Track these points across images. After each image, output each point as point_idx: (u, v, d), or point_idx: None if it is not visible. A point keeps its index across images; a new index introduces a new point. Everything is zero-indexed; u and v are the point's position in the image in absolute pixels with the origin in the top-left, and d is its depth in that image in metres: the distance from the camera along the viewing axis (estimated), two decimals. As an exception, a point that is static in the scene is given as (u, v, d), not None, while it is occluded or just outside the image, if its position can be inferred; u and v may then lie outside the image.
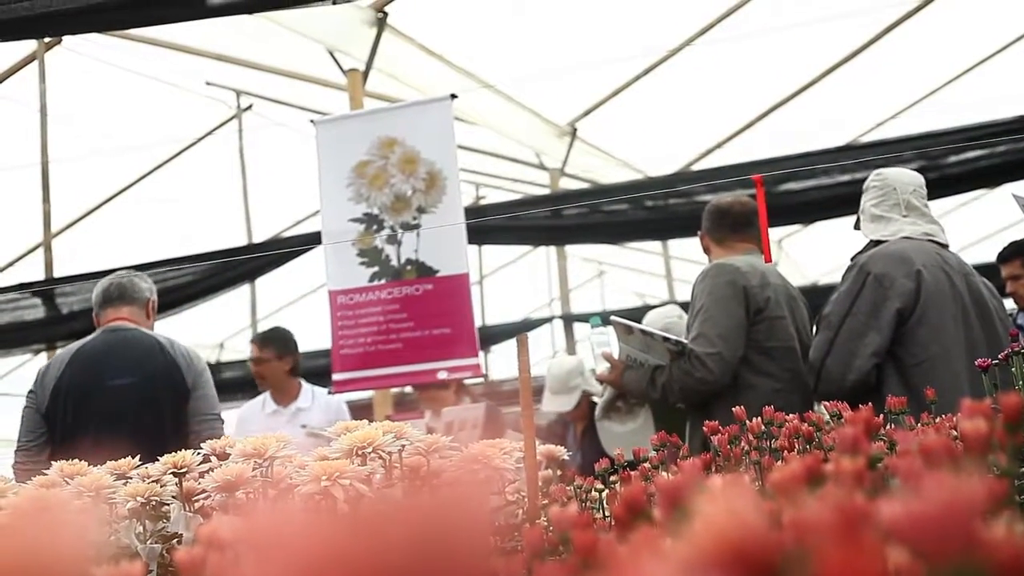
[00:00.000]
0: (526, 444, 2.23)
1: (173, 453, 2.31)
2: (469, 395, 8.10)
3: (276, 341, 7.09)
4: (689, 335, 4.71)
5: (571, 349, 11.85)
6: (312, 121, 6.05)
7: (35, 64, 9.51)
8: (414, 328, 5.62)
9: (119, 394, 5.15)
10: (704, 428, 2.63)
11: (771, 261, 4.91)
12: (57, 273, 9.58)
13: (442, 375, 5.73)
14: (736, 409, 2.64)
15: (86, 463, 2.39)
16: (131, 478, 2.37)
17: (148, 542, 2.20)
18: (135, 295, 5.43)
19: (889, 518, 0.53)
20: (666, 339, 4.71)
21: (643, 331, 4.75)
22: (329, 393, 6.18)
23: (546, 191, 11.85)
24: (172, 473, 2.30)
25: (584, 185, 12.01)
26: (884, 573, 0.48)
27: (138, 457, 2.45)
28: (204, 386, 5.19)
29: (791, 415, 2.56)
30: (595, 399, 7.00)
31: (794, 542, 0.51)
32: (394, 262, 5.67)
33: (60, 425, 5.24)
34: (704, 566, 0.48)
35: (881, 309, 4.47)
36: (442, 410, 6.51)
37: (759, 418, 2.57)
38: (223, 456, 2.34)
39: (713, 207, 5.15)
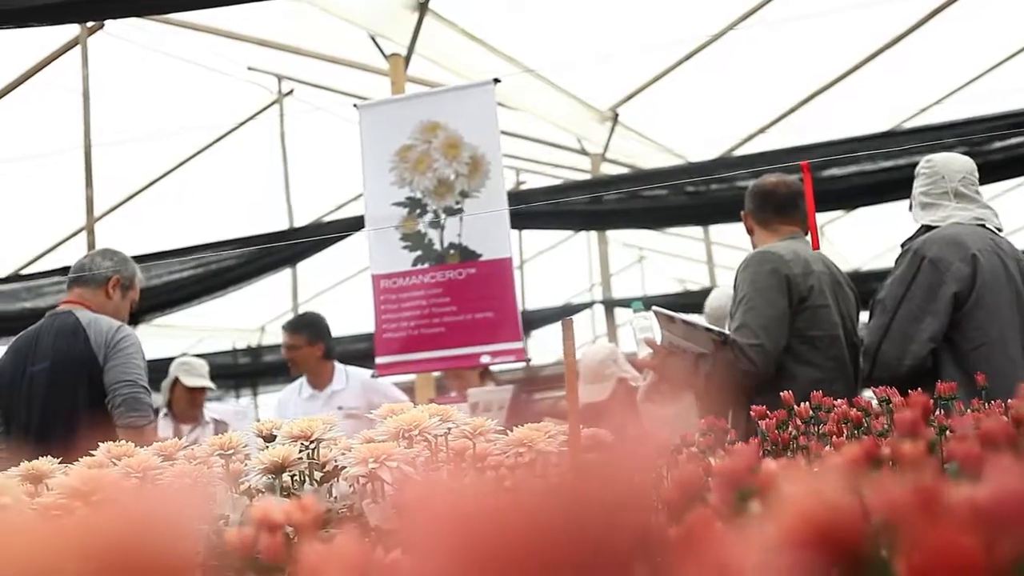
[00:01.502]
0: (570, 427, 2.22)
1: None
2: (493, 380, 8.11)
3: (307, 327, 7.12)
4: (731, 324, 4.68)
5: (612, 335, 11.84)
6: (355, 105, 6.04)
7: (77, 49, 9.55)
8: (457, 312, 5.62)
9: (35, 380, 5.21)
10: (751, 413, 2.62)
11: (818, 248, 4.86)
12: (100, 257, 9.62)
13: (485, 359, 5.72)
14: (784, 394, 2.62)
15: (132, 445, 2.39)
16: (177, 459, 2.37)
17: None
18: (87, 276, 5.47)
19: (972, 500, 0.52)
20: (708, 329, 4.68)
21: (685, 321, 4.72)
22: (372, 377, 6.19)
23: (587, 176, 11.82)
24: (219, 454, 2.31)
25: (625, 170, 11.98)
26: (978, 555, 0.47)
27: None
28: (116, 356, 5.11)
29: (839, 401, 2.54)
30: (631, 383, 6.98)
31: (879, 523, 0.50)
32: (437, 246, 5.66)
33: (3, 413, 5.37)
34: (790, 547, 0.47)
35: (937, 293, 4.43)
36: (468, 391, 6.54)
37: (807, 403, 2.56)
38: (269, 438, 2.35)
39: (758, 187, 5.09)
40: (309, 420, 2.24)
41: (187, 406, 7.84)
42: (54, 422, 5.01)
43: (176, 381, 7.92)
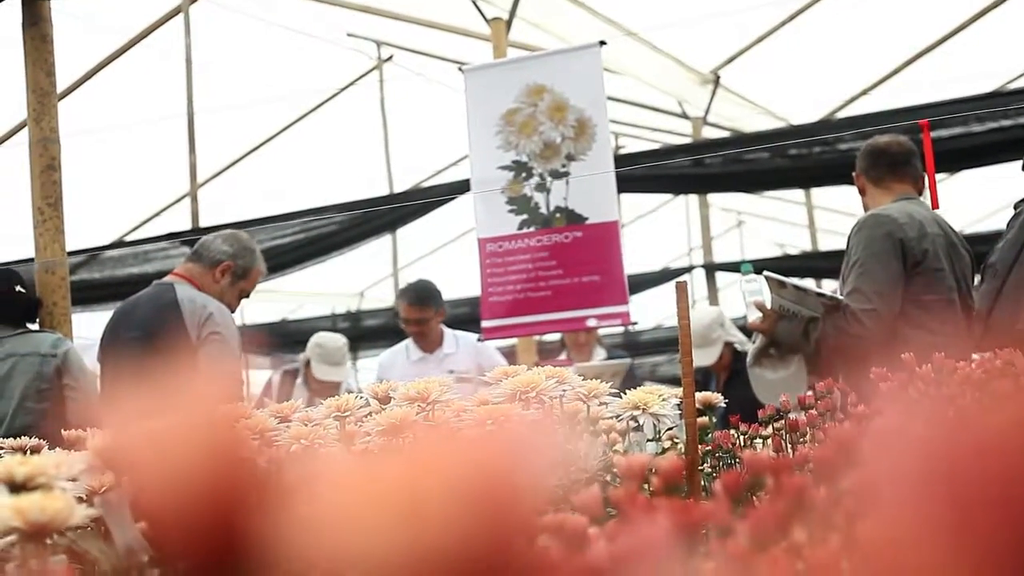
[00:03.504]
0: (685, 390, 2.21)
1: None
2: (604, 346, 8.10)
3: (433, 297, 7.09)
4: (844, 289, 4.62)
5: (713, 299, 11.77)
6: (460, 69, 6.04)
7: (180, 17, 9.66)
8: (563, 275, 5.60)
9: (127, 347, 5.25)
10: (871, 376, 2.58)
11: (937, 207, 4.78)
12: (203, 223, 9.74)
13: (591, 323, 5.71)
14: (905, 356, 2.58)
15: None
16: (292, 421, 2.39)
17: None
18: (203, 254, 5.53)
19: None
20: (820, 294, 4.63)
21: (796, 285, 4.67)
22: (479, 340, 6.20)
23: (687, 141, 11.74)
24: (334, 417, 2.32)
25: (726, 134, 11.88)
26: None
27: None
28: (209, 344, 5.14)
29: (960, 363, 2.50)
30: (737, 347, 6.95)
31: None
32: (543, 210, 5.64)
33: (100, 374, 5.47)
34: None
35: None
36: (576, 365, 6.53)
37: (928, 365, 2.52)
38: (385, 400, 2.35)
39: (870, 146, 5.01)
40: (425, 382, 2.24)
41: (320, 387, 7.75)
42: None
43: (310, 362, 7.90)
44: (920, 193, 4.90)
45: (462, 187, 6.95)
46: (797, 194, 14.62)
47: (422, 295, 7.11)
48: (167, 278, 5.50)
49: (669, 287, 12.24)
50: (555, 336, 8.16)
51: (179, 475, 0.44)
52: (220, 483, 0.42)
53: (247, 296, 5.69)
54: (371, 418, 2.22)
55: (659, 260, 15.63)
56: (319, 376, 7.76)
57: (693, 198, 13.16)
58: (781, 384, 4.59)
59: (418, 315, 7.03)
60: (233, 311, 5.54)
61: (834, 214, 14.46)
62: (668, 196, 14.18)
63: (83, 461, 1.53)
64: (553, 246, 5.62)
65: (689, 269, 13.53)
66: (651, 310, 14.28)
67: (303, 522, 0.38)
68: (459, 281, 10.65)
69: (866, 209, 4.91)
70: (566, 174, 5.61)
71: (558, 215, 5.62)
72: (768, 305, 4.73)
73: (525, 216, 5.68)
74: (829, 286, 8.10)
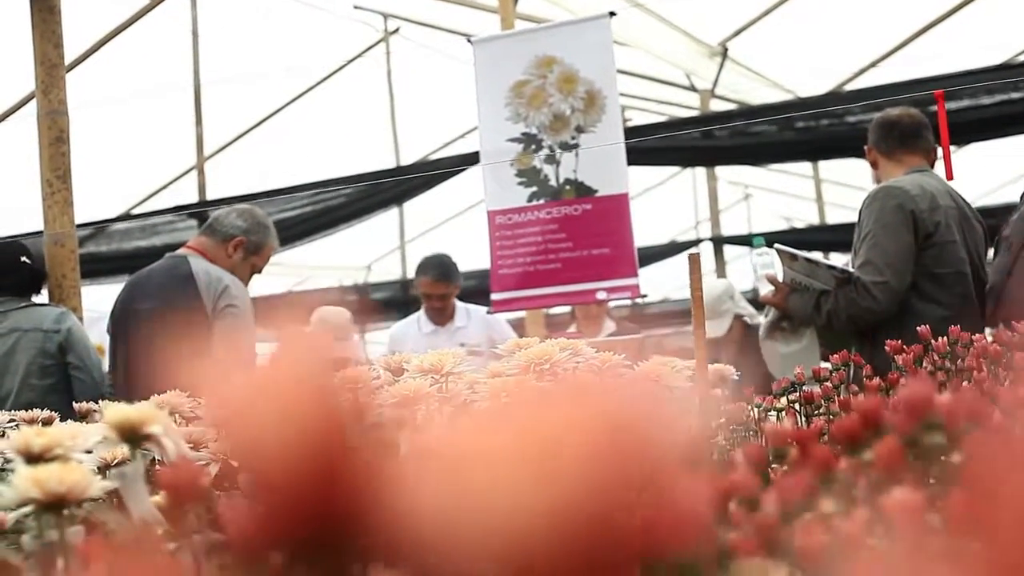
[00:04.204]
0: (698, 362, 2.20)
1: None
2: (613, 319, 8.08)
3: (454, 272, 7.12)
4: (855, 261, 4.61)
5: (721, 272, 11.76)
6: (469, 40, 6.01)
7: (187, -12, 9.65)
8: (573, 248, 5.57)
9: (138, 318, 5.25)
10: (886, 348, 2.57)
11: (952, 178, 4.76)
12: (210, 196, 9.74)
13: (601, 295, 5.69)
14: (921, 328, 2.57)
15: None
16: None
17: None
18: (216, 228, 5.52)
19: None
20: (831, 267, 4.62)
21: (807, 258, 4.66)
22: (488, 313, 6.20)
23: (695, 113, 11.72)
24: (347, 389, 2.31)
25: (734, 106, 11.86)
26: None
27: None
28: (225, 316, 5.14)
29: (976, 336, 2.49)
30: (747, 320, 6.94)
31: None
32: (553, 182, 5.61)
33: (111, 346, 5.50)
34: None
35: None
36: (590, 340, 6.50)
37: (944, 338, 2.50)
38: (398, 372, 2.34)
39: (882, 119, 4.99)
40: (439, 354, 2.23)
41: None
42: (149, 362, 5.05)
43: None
44: (932, 165, 4.88)
45: (470, 160, 6.93)
46: (805, 167, 14.61)
47: (445, 271, 7.11)
48: (180, 251, 5.50)
49: (676, 260, 12.25)
50: (565, 309, 8.13)
51: (288, 441, 0.43)
52: (331, 447, 0.41)
53: (259, 271, 5.68)
54: (384, 390, 2.22)
55: (666, 233, 15.63)
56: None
57: (700, 171, 13.16)
58: (793, 357, 4.58)
59: (442, 291, 7.04)
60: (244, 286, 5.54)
61: (842, 187, 14.42)
62: (675, 169, 14.15)
63: (99, 433, 1.52)
64: (563, 218, 5.59)
65: (696, 242, 13.54)
66: (657, 283, 14.26)
67: (427, 490, 0.38)
68: (466, 254, 10.65)
69: (878, 182, 4.89)
70: (575, 146, 5.59)
71: (567, 187, 5.60)
72: (780, 278, 4.73)
73: (534, 188, 5.65)
74: (838, 260, 8.09)
